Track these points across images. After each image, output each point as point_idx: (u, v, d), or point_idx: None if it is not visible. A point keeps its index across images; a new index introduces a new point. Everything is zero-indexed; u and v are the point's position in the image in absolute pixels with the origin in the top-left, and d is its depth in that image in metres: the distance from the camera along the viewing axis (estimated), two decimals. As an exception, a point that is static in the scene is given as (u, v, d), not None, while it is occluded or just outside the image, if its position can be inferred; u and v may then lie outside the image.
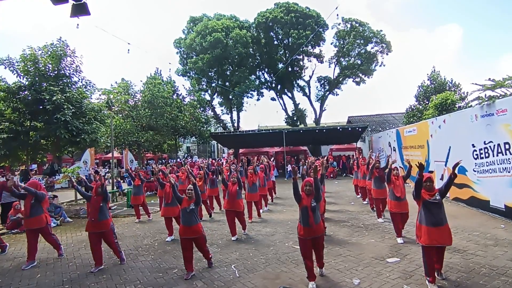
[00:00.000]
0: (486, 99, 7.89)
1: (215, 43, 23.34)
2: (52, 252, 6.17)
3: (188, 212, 4.87)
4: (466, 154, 8.58)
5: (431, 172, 11.06)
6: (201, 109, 24.76)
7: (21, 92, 13.02)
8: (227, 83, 26.32)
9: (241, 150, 27.02)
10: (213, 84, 26.86)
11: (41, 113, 12.95)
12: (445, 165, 9.95)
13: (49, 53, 13.22)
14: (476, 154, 8.21)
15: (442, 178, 10.24)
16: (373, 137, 20.78)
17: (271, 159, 14.88)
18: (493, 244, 5.61)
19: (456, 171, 4.21)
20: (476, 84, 8.94)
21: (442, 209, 4.18)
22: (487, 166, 7.80)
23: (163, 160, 31.91)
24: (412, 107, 18.94)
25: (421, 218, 4.26)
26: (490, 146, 7.67)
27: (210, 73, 26.46)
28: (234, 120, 28.88)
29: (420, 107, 17.99)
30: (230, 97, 26.54)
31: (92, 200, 5.45)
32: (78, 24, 8.33)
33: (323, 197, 6.10)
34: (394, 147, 15.48)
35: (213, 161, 22.72)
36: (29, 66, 12.81)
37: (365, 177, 9.51)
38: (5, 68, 12.67)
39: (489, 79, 8.79)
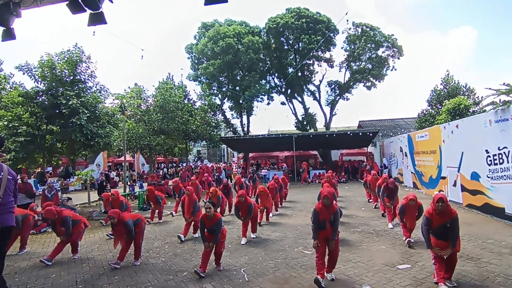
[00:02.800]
0: (501, 104, 7.74)
1: (226, 48, 23.59)
2: (67, 253, 6.32)
3: (212, 229, 5.10)
4: (480, 160, 8.42)
5: (444, 178, 10.89)
6: (212, 113, 25.01)
7: (38, 97, 13.45)
8: (237, 88, 26.52)
9: (251, 154, 27.09)
10: (224, 89, 27.11)
11: (58, 117, 13.33)
12: (458, 171, 9.77)
13: (65, 59, 13.63)
14: (490, 160, 8.04)
15: (455, 185, 10.06)
16: (384, 142, 20.54)
17: (284, 169, 14.85)
18: (509, 252, 5.46)
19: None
20: (490, 88, 8.78)
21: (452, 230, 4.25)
22: (501, 172, 7.63)
23: (174, 164, 32.30)
24: (424, 111, 18.67)
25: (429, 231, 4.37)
26: (504, 152, 7.51)
27: (220, 78, 26.72)
28: (244, 124, 29.03)
29: (433, 111, 17.72)
30: (240, 101, 26.72)
31: (115, 228, 5.63)
32: (94, 32, 8.60)
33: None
34: (405, 152, 15.28)
35: (228, 165, 22.92)
36: (46, 72, 13.22)
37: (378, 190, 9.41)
38: (24, 73, 13.12)
39: (504, 83, 8.61)
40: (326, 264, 4.58)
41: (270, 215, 9.24)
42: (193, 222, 7.32)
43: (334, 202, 6.31)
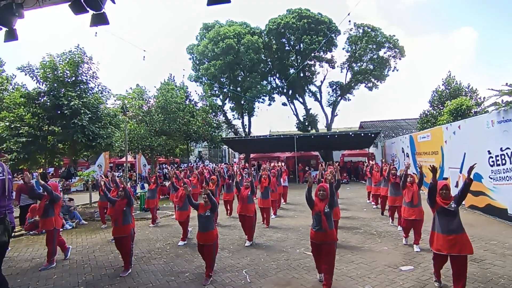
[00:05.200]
0: (503, 105, 7.72)
1: (227, 49, 23.62)
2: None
3: (204, 217, 4.94)
4: (482, 160, 8.38)
5: (446, 179, 10.85)
6: (213, 114, 25.00)
7: (40, 98, 13.43)
8: (238, 89, 26.53)
9: (252, 155, 27.09)
10: (225, 90, 27.13)
11: (59, 118, 13.33)
12: (460, 172, 9.74)
13: (67, 60, 13.63)
14: (492, 161, 8.01)
15: (457, 186, 10.02)
16: (386, 142, 20.51)
17: (283, 164, 14.89)
18: (512, 254, 5.44)
19: (471, 176, 4.08)
20: (492, 89, 8.76)
21: (458, 217, 4.06)
22: (504, 173, 7.60)
23: (175, 164, 32.29)
24: (426, 112, 18.64)
25: (435, 225, 4.21)
26: (507, 153, 7.48)
27: (222, 79, 26.74)
28: (246, 125, 29.02)
29: (434, 112, 17.69)
30: (242, 102, 26.71)
31: (116, 204, 5.51)
32: (96, 33, 8.61)
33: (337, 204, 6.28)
34: (407, 153, 15.24)
35: (230, 166, 22.84)
36: (48, 73, 13.20)
37: (378, 184, 9.43)
38: (26, 74, 13.12)
39: (506, 84, 8.59)
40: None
41: (272, 216, 9.25)
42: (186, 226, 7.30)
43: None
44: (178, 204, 7.27)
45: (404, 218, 6.15)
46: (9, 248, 6.67)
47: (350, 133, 20.82)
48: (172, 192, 9.52)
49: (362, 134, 20.37)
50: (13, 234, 3.91)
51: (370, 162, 11.33)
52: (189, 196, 5.14)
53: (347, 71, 27.18)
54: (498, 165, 7.80)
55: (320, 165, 8.06)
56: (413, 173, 14.21)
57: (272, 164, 12.35)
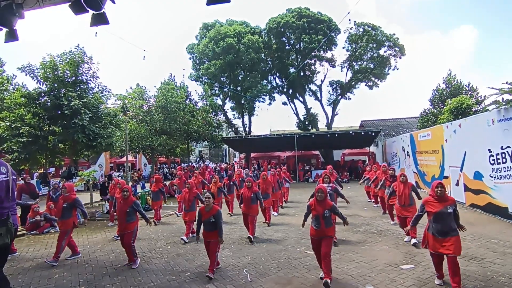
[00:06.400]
0: (504, 103, 7.70)
1: (227, 49, 23.62)
2: (69, 253, 6.34)
3: (210, 224, 5.04)
4: (482, 159, 8.38)
5: (446, 177, 10.85)
6: (213, 113, 25.00)
7: (41, 98, 13.47)
8: (238, 88, 26.51)
9: (252, 155, 27.09)
10: (225, 89, 27.12)
11: (60, 118, 13.35)
12: (461, 170, 9.73)
13: (67, 60, 13.65)
14: (493, 160, 8.00)
15: (457, 184, 10.02)
16: (387, 141, 20.50)
17: (284, 165, 14.95)
18: (512, 252, 5.44)
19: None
20: (492, 88, 8.74)
21: (453, 221, 4.17)
22: (504, 171, 7.59)
23: (176, 164, 32.33)
24: (427, 111, 18.62)
25: (429, 226, 4.34)
26: (507, 151, 7.47)
27: (222, 78, 26.72)
28: (246, 124, 28.99)
29: (435, 111, 17.67)
30: (242, 101, 26.70)
31: (119, 205, 5.77)
32: (96, 33, 8.62)
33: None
34: (408, 152, 15.23)
35: (230, 166, 22.87)
36: (48, 73, 13.23)
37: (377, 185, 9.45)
38: (26, 74, 13.15)
39: (507, 82, 8.58)
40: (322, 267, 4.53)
41: (274, 214, 9.27)
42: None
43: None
44: (185, 207, 7.43)
45: (397, 215, 6.55)
46: (17, 253, 6.73)
47: (351, 132, 20.82)
48: (177, 194, 10.85)
49: (363, 133, 20.36)
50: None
51: (368, 168, 11.48)
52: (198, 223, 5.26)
53: (348, 70, 27.13)
54: (499, 163, 7.79)
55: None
56: (414, 171, 14.24)
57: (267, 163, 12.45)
